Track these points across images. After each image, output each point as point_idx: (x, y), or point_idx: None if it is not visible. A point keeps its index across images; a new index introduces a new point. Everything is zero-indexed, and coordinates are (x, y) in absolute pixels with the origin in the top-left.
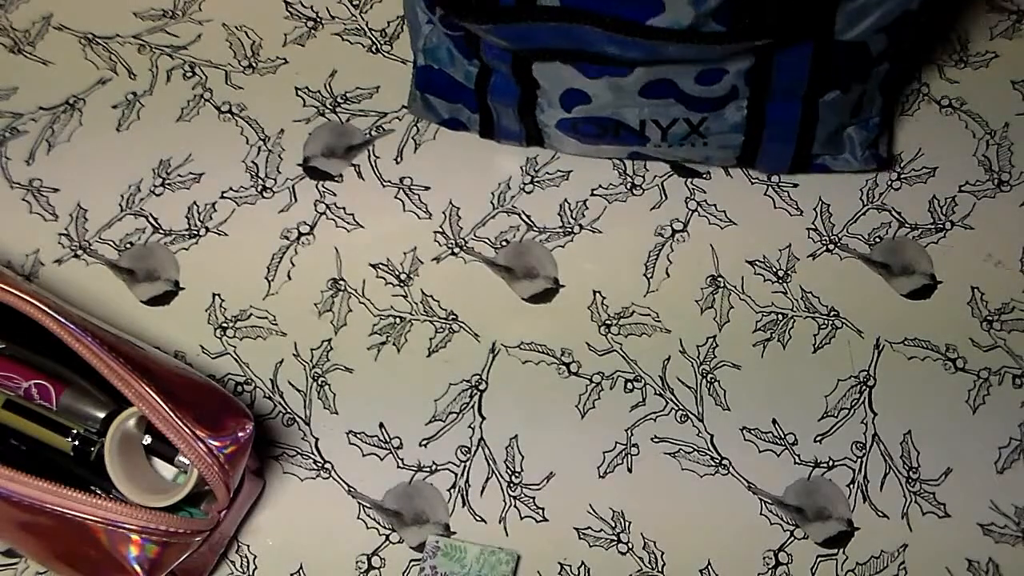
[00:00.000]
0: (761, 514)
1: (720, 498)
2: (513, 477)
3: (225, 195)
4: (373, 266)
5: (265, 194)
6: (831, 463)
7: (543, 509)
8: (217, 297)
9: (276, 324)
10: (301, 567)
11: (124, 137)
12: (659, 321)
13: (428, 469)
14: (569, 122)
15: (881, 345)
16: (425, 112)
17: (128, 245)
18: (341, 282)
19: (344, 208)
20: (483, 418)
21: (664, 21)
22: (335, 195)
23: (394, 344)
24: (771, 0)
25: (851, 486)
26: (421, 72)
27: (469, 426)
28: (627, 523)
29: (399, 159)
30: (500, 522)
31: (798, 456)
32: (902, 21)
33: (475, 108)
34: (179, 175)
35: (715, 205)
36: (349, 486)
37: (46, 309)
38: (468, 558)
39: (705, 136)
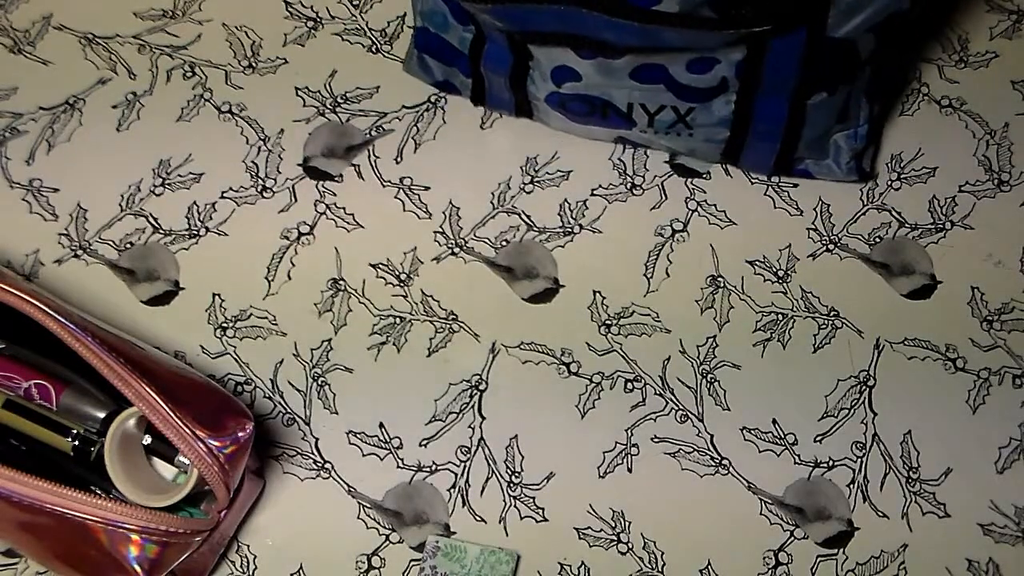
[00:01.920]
0: (761, 514)
1: (720, 498)
2: (513, 477)
3: (225, 195)
4: (373, 266)
5: (265, 194)
6: (831, 463)
7: (543, 509)
8: (217, 297)
9: (276, 324)
10: (301, 567)
11: (124, 137)
12: (659, 321)
13: (428, 469)
14: (558, 97)
15: (881, 345)
16: (420, 71)
17: (128, 245)
18: (341, 282)
19: (344, 208)
20: (483, 418)
21: (663, 8)
22: (335, 195)
23: (394, 344)
24: None
25: (851, 486)
26: (419, 33)
27: (469, 426)
28: (627, 523)
29: (399, 159)
30: (500, 522)
31: (798, 456)
32: (891, 22)
33: (468, 73)
34: (179, 175)
35: (715, 205)
36: (349, 486)
37: (46, 309)
38: (468, 558)
39: (691, 127)
